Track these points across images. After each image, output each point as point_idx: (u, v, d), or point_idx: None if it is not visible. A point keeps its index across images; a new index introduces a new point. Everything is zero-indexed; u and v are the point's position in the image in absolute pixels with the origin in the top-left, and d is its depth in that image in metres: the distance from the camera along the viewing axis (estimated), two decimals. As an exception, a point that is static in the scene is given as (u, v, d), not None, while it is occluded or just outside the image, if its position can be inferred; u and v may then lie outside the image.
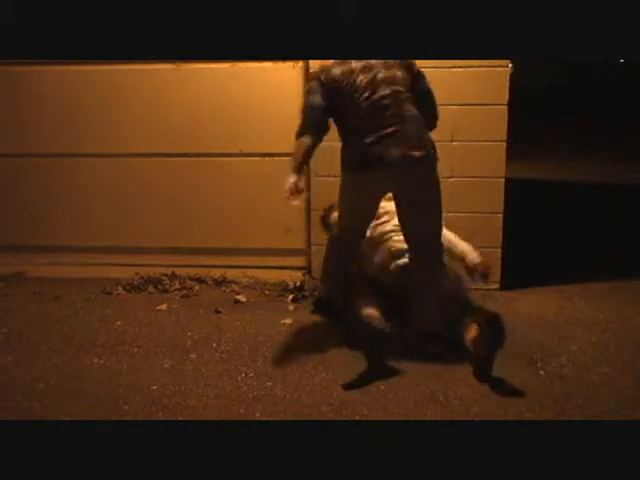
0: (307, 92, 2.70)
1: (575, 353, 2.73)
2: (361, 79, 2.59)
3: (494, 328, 2.47)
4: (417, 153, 2.54)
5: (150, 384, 2.50)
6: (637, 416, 2.21)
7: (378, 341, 2.59)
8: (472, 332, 2.57)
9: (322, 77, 2.65)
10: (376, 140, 2.54)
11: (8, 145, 3.89)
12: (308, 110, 2.65)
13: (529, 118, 11.25)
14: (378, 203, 2.79)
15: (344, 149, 2.69)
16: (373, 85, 2.58)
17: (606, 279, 3.71)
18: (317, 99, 2.63)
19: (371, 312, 2.70)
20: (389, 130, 2.54)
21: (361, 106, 2.58)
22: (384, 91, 2.57)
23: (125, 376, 2.58)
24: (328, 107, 2.63)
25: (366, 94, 2.57)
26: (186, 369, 2.64)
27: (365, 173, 2.61)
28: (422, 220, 2.69)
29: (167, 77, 3.70)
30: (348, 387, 2.46)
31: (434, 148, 2.63)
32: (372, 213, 2.83)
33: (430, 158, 2.60)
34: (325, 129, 2.65)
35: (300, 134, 2.64)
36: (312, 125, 2.63)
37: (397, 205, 2.72)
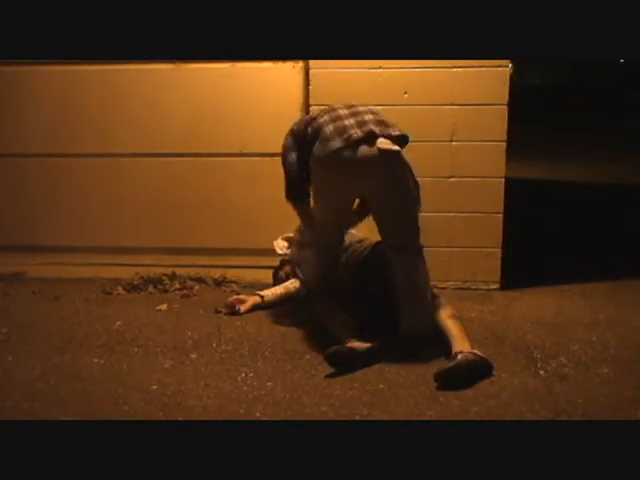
0: (283, 150, 2.81)
1: (575, 353, 2.73)
2: (325, 119, 2.63)
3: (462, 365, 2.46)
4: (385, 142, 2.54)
5: (150, 384, 2.50)
6: (637, 416, 2.21)
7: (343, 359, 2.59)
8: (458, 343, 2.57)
9: (294, 127, 2.78)
10: (343, 140, 2.55)
11: (7, 145, 3.88)
12: (285, 171, 2.80)
13: (529, 118, 11.24)
14: (349, 203, 2.80)
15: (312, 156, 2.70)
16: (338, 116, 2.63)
17: (606, 279, 3.71)
18: (291, 156, 2.76)
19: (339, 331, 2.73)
20: (357, 130, 2.56)
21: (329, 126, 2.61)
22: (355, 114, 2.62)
23: (125, 376, 2.58)
24: (301, 159, 2.71)
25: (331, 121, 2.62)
26: (186, 369, 2.64)
27: (332, 171, 2.63)
28: (397, 220, 2.69)
29: (166, 77, 3.69)
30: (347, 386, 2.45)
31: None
32: (347, 212, 2.83)
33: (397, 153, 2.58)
34: (305, 184, 2.77)
35: (288, 196, 2.84)
36: (294, 186, 2.79)
37: (371, 208, 2.75)
